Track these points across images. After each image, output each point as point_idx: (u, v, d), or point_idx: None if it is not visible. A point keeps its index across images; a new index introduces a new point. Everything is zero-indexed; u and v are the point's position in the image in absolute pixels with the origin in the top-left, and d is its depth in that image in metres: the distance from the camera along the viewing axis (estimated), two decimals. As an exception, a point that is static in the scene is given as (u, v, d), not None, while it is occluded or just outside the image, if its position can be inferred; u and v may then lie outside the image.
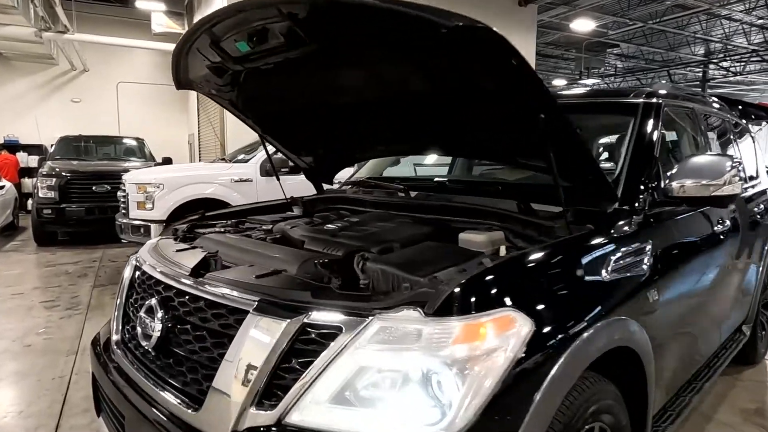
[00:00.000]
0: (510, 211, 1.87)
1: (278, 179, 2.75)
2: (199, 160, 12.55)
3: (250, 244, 1.83)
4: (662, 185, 2.06)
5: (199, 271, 1.57)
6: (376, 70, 1.69)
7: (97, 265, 6.58)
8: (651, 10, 14.18)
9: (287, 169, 6.20)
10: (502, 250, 1.76)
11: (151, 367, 1.54)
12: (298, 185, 5.97)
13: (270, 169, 6.03)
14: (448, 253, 1.57)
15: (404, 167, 3.39)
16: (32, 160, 13.01)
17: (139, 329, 1.58)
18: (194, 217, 2.45)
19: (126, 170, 7.29)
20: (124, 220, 5.84)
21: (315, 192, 2.91)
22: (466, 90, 1.58)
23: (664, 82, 19.48)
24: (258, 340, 1.25)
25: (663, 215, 2.03)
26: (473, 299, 1.19)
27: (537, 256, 1.40)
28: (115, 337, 1.78)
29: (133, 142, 10.31)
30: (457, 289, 1.18)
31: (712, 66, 20.27)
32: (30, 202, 9.83)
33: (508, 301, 1.24)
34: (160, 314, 1.52)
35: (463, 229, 1.88)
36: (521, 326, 1.22)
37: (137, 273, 1.86)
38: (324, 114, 2.22)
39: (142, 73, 14.84)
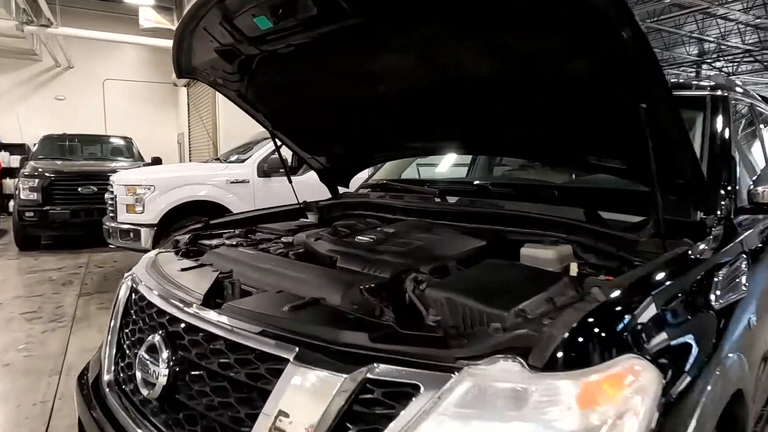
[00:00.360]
0: (578, 220, 1.59)
1: (290, 181, 2.44)
2: (189, 160, 12.17)
3: (271, 261, 1.52)
4: (738, 189, 1.80)
5: (213, 300, 1.26)
6: (429, 51, 1.39)
7: (83, 272, 6.19)
8: (649, 9, 14.04)
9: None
10: (573, 268, 1.48)
11: (154, 420, 1.22)
12: (297, 186, 5.72)
13: (268, 170, 5.73)
14: (522, 274, 1.28)
15: (413, 169, 3.10)
16: (14, 160, 12.43)
17: (138, 374, 1.26)
18: (197, 225, 2.13)
19: (113, 171, 6.92)
20: (112, 224, 5.47)
21: (329, 196, 2.61)
22: (545, 73, 1.29)
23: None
24: (302, 401, 0.94)
25: (746, 224, 1.76)
26: (593, 346, 0.90)
27: (652, 281, 1.11)
28: (106, 377, 1.45)
29: (121, 142, 9.88)
30: (569, 334, 0.89)
31: (705, 66, 20.24)
32: (11, 204, 9.37)
33: (630, 345, 0.95)
34: (165, 355, 1.21)
35: (521, 242, 1.59)
36: (649, 379, 0.93)
37: (133, 296, 1.54)
38: (348, 106, 1.92)
39: (130, 70, 14.39)
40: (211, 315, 1.18)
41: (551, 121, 1.47)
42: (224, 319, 1.15)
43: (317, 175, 2.57)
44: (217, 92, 7.69)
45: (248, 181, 5.69)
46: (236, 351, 1.08)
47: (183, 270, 1.52)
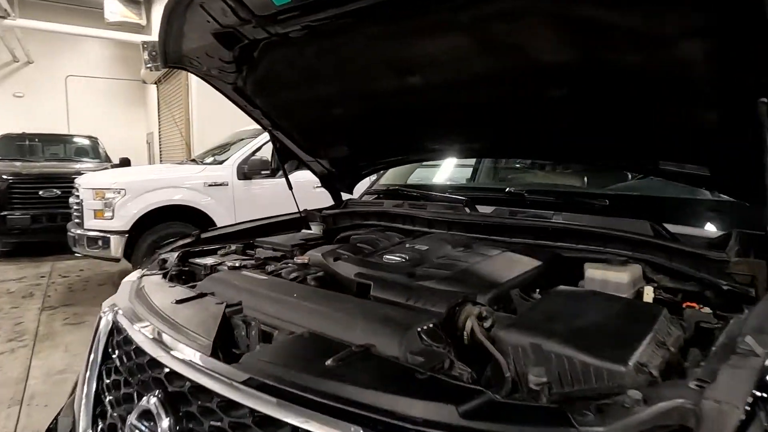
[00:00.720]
0: (645, 234, 1.36)
1: (290, 187, 2.15)
2: (160, 162, 11.63)
3: (289, 290, 1.24)
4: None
5: (226, 348, 0.98)
6: (490, 33, 1.13)
7: (46, 282, 5.72)
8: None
9: (268, 171, 5.57)
10: (648, 293, 1.26)
11: None
12: (276, 188, 5.38)
13: (248, 172, 5.40)
14: (609, 307, 1.04)
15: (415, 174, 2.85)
16: (-32, 161, 11.70)
17: (129, 452, 0.96)
18: (186, 240, 1.83)
19: (78, 173, 6.48)
20: (78, 231, 5.04)
21: (333, 203, 2.33)
22: (638, 60, 1.05)
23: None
24: None
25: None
26: (771, 422, 0.66)
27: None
28: (82, 442, 1.15)
29: (86, 141, 9.34)
30: (745, 408, 0.65)
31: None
32: (-35, 208, 8.70)
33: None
34: (165, 425, 0.92)
35: (580, 260, 1.37)
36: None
37: (116, 336, 1.24)
38: (366, 101, 1.65)
39: (94, 66, 13.71)
40: (227, 371, 0.90)
41: (625, 119, 1.24)
42: (246, 378, 0.87)
43: (319, 180, 2.30)
44: (190, 89, 7.23)
45: (227, 184, 5.35)
46: (268, 427, 0.80)
47: (178, 302, 1.22)
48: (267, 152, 5.98)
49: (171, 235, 5.21)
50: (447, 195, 1.92)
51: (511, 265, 1.30)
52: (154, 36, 9.08)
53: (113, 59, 13.64)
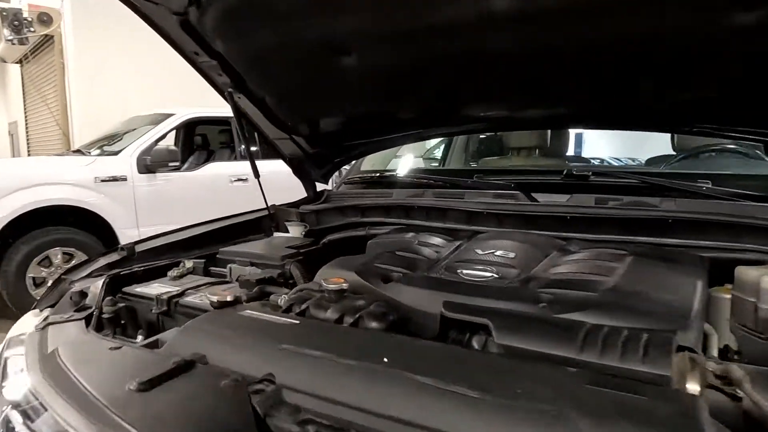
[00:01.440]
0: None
1: (257, 174, 1.55)
2: (28, 155, 9.87)
3: (355, 345, 0.70)
4: None
5: None
6: None
7: None
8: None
9: (176, 163, 4.68)
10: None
11: None
12: (187, 183, 4.55)
13: (152, 165, 4.50)
14: None
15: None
16: None
17: None
18: (113, 258, 1.18)
19: None
20: None
21: (306, 195, 1.77)
22: None
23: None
24: None
25: None
26: None
27: None
28: None
29: (-75, 131, 7.56)
30: None
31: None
32: None
33: None
34: None
35: (723, 262, 0.99)
36: None
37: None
38: (403, 43, 1.10)
39: (-66, 41, 11.30)
40: None
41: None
42: None
43: (289, 165, 1.71)
44: (67, 67, 5.95)
45: (126, 179, 4.43)
46: None
47: (143, 389, 0.63)
48: (172, 141, 5.10)
49: (54, 243, 4.18)
50: (486, 181, 1.46)
51: (670, 278, 0.87)
52: (14, 3, 7.53)
53: (-41, 33, 11.35)
